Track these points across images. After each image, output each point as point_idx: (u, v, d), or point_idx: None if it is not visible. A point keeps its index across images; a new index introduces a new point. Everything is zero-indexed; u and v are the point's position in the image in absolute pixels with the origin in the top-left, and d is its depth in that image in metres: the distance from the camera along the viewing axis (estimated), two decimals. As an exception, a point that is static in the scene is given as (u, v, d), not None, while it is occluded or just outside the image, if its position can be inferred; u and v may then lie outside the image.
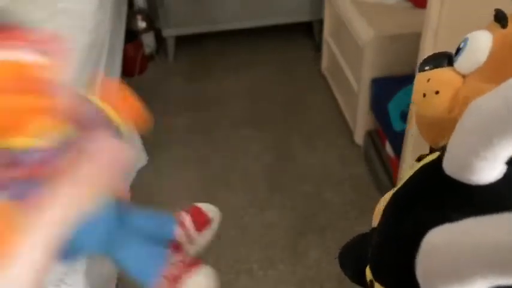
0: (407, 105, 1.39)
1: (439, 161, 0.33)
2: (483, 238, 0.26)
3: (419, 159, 0.52)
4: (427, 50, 1.22)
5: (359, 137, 1.95)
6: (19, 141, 0.43)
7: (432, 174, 0.34)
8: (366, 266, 0.41)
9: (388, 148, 1.71)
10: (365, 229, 1.76)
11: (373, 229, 0.41)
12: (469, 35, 0.42)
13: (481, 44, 0.40)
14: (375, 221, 0.51)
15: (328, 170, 1.87)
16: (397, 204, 0.39)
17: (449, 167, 0.31)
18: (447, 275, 0.27)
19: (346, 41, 1.96)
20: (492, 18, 0.42)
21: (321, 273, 1.52)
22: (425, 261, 0.29)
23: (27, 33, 0.47)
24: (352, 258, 0.46)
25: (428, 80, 0.45)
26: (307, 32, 2.69)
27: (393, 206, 0.40)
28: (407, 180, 0.40)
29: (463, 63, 0.41)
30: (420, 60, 1.28)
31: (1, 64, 0.45)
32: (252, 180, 1.85)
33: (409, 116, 1.38)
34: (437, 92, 0.42)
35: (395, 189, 0.42)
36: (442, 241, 0.28)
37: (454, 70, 0.43)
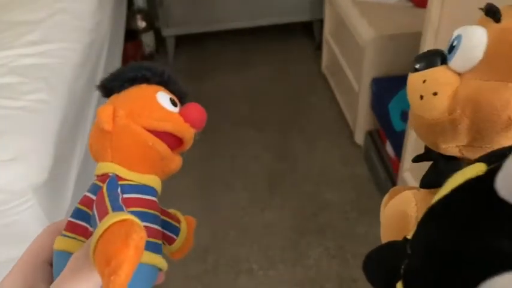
0: (408, 105, 1.39)
1: (487, 177, 0.26)
2: None
3: (415, 160, 0.49)
4: (428, 49, 1.22)
5: (359, 137, 1.94)
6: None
7: (480, 193, 0.27)
8: (397, 281, 0.36)
9: (389, 148, 1.71)
10: (365, 229, 1.75)
11: (406, 239, 0.35)
12: (461, 32, 0.39)
13: (476, 40, 0.38)
14: (384, 220, 0.48)
15: (328, 170, 1.87)
16: (438, 222, 0.32)
17: (505, 188, 0.25)
18: None
19: (347, 41, 1.96)
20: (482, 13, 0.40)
21: (321, 273, 1.51)
22: None
23: None
24: (380, 269, 0.41)
25: (424, 81, 0.43)
26: (307, 32, 2.69)
27: (434, 221, 0.33)
28: (447, 195, 0.31)
29: (459, 61, 0.39)
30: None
31: None
32: (252, 180, 1.85)
33: (409, 116, 1.38)
34: (435, 93, 0.41)
35: (436, 199, 0.34)
36: None
37: (449, 69, 0.40)
